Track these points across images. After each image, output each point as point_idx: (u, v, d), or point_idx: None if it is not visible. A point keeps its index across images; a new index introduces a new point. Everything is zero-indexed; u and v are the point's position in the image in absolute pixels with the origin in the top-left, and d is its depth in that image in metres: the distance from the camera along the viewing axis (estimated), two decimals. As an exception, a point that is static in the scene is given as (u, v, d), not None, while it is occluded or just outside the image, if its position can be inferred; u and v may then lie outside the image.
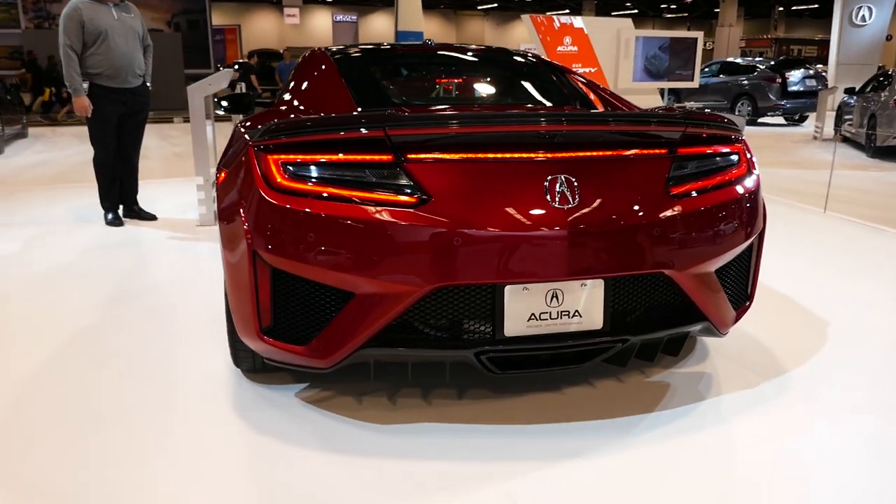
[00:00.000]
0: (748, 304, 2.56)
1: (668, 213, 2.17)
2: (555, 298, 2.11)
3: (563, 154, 2.10)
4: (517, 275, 2.05)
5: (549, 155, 2.09)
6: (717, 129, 2.38)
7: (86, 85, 4.66)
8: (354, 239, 2.01)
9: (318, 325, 2.11)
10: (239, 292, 2.19)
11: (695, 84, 10.82)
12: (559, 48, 10.08)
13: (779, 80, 14.00)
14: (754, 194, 2.43)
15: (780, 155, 10.02)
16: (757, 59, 16.89)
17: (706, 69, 16.02)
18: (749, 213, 2.39)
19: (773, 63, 15.00)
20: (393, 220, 2.00)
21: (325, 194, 2.04)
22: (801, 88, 14.13)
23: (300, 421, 2.31)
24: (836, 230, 5.14)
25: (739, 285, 2.50)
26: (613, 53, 10.24)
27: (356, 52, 3.44)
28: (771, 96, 14.06)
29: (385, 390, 2.50)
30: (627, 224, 2.10)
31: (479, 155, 2.08)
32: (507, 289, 2.07)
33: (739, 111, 14.61)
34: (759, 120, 14.68)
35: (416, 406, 2.41)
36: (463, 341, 2.12)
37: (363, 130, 2.06)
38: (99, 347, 2.95)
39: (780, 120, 14.93)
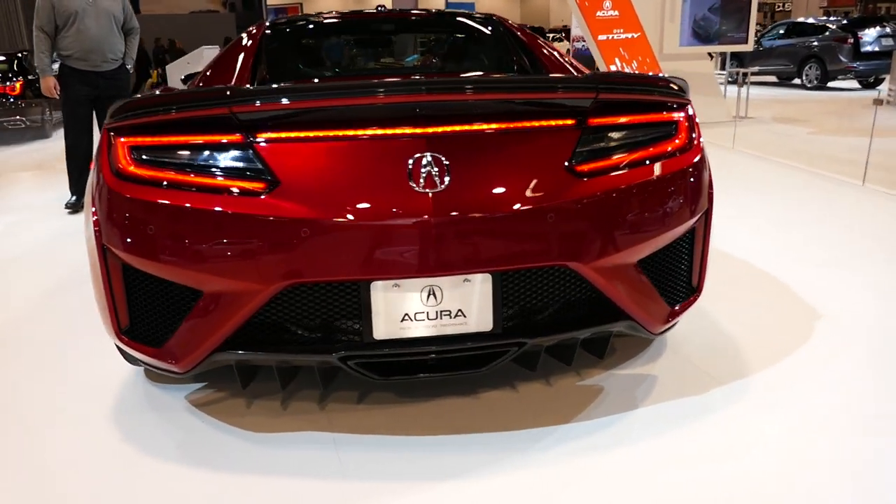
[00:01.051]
0: (694, 297, 2.21)
1: (571, 195, 1.84)
2: (432, 296, 1.83)
3: (431, 129, 1.80)
4: (383, 270, 1.78)
5: (413, 130, 1.80)
6: (642, 96, 2.02)
7: (57, 66, 4.61)
8: (197, 231, 1.79)
9: (170, 326, 1.91)
10: (97, 290, 2.01)
11: (748, 47, 10.03)
12: (598, 13, 9.53)
13: (850, 41, 12.89)
14: (695, 171, 2.06)
15: (844, 121, 9.21)
16: (831, 18, 15.64)
17: (772, 31, 14.97)
18: (686, 194, 2.04)
19: (845, 22, 13.83)
20: (237, 209, 1.77)
21: (165, 182, 1.82)
22: (877, 48, 12.96)
23: (175, 426, 2.13)
24: (866, 207, 4.57)
25: (677, 277, 2.15)
26: (658, 17, 9.60)
27: (295, 23, 3.18)
28: (842, 58, 12.97)
29: (280, 394, 2.28)
30: (517, 210, 1.80)
31: (335, 132, 1.81)
32: (374, 286, 1.81)
33: (807, 75, 13.58)
34: (830, 84, 13.60)
35: (308, 413, 2.18)
36: (327, 345, 1.87)
37: (207, 108, 1.82)
38: (15, 332, 2.87)
39: (854, 83, 13.80)
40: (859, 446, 1.94)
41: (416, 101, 1.81)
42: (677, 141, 2.05)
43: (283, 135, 1.80)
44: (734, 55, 14.61)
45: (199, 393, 2.31)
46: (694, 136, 2.10)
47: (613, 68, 9.63)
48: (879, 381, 2.29)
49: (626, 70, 9.58)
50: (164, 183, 1.81)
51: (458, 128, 1.82)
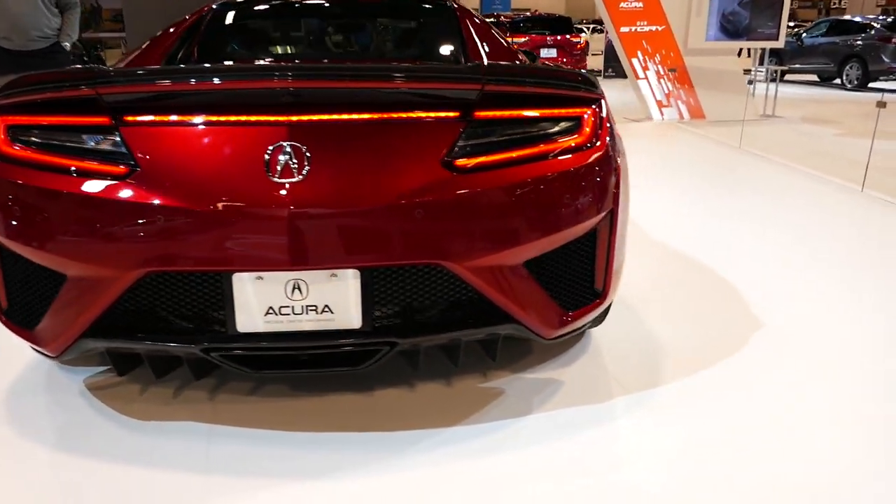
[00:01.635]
0: (598, 302, 2.10)
1: (447, 191, 1.76)
2: (297, 290, 1.78)
3: (295, 117, 1.74)
4: (244, 262, 1.73)
5: (275, 118, 1.74)
6: (537, 89, 1.92)
7: None
8: (59, 214, 1.77)
9: (40, 309, 1.89)
10: None
11: (779, 43, 9.67)
12: (622, 4, 9.30)
13: (895, 40, 12.35)
14: (595, 170, 1.96)
15: (881, 125, 8.81)
16: (879, 17, 14.99)
17: (815, 28, 14.43)
18: (584, 193, 1.94)
19: (891, 20, 13.25)
20: (96, 193, 1.73)
21: (34, 162, 1.80)
22: (924, 49, 12.41)
23: (62, 409, 2.12)
24: (854, 214, 4.34)
25: (574, 281, 2.04)
26: (684, 10, 9.32)
27: (239, 4, 3.12)
28: (884, 58, 12.43)
29: (179, 381, 2.25)
30: (385, 204, 1.73)
31: (196, 117, 1.76)
32: (237, 277, 1.76)
33: (847, 75, 13.06)
34: (872, 85, 13.05)
35: (196, 402, 2.15)
36: (190, 336, 1.83)
37: (74, 89, 1.79)
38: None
39: (899, 85, 13.23)
40: (752, 471, 1.82)
41: (282, 88, 1.75)
42: (577, 138, 1.94)
43: (146, 118, 1.76)
44: (773, 53, 14.15)
45: (100, 377, 2.31)
46: (599, 133, 1.99)
47: (635, 61, 9.41)
48: (798, 403, 2.16)
49: (650, 63, 9.36)
50: (33, 163, 1.79)
51: (323, 117, 1.75)
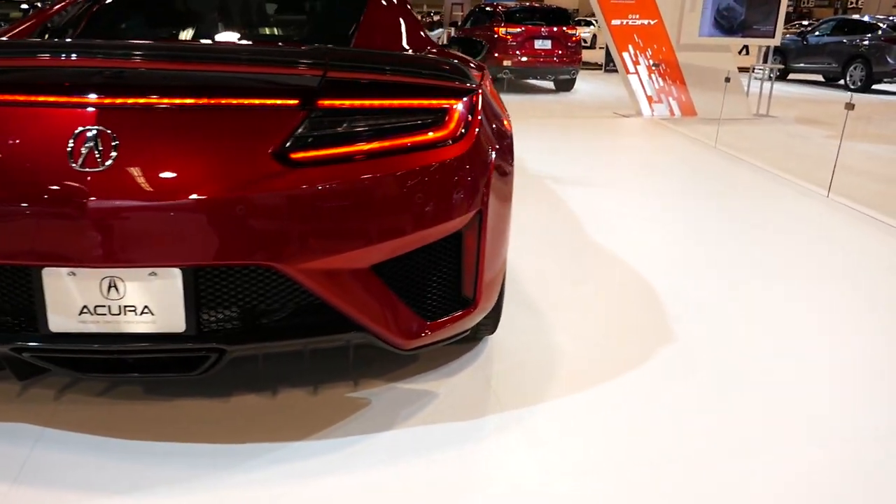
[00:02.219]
0: (468, 311, 1.94)
1: (280, 186, 1.60)
2: (114, 289, 1.63)
3: (108, 99, 1.58)
4: (52, 256, 1.58)
5: (84, 100, 1.58)
6: (392, 77, 1.76)
7: None
8: None
9: None
10: None
11: (775, 41, 9.40)
12: (613, -3, 9.06)
13: (901, 41, 12.03)
14: (461, 167, 1.79)
15: (871, 127, 8.56)
16: (890, 17, 14.61)
17: (821, 27, 14.10)
18: (444, 192, 1.77)
19: (897, 20, 12.91)
20: None
21: None
22: (931, 51, 12.07)
23: None
24: (814, 220, 4.14)
25: (438, 287, 1.88)
26: (677, 4, 9.07)
27: None
28: (890, 60, 12.10)
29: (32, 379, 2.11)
30: (206, 198, 1.56)
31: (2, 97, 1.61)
32: (46, 273, 1.61)
33: (851, 76, 12.74)
34: (876, 87, 12.74)
35: (43, 402, 2.01)
36: (1, 334, 1.69)
37: None
38: None
39: (903, 87, 12.91)
40: None
41: (93, 68, 1.60)
42: (439, 132, 1.77)
43: None
44: (778, 50, 13.83)
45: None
46: (467, 127, 1.83)
47: (626, 55, 9.18)
48: (683, 426, 1.99)
49: (641, 58, 9.13)
50: None
51: (138, 100, 1.59)
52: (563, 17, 11.61)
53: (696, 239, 3.72)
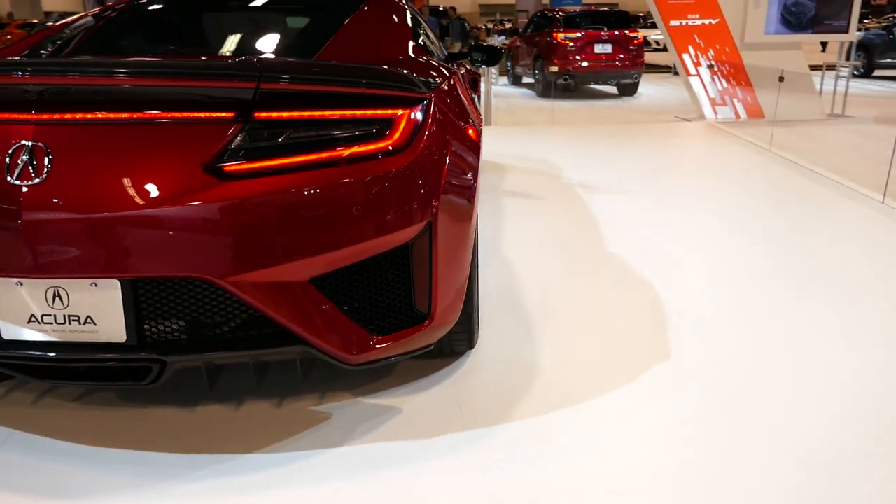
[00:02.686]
0: (421, 325, 1.88)
1: (214, 199, 1.60)
2: (58, 299, 1.67)
3: (45, 115, 1.62)
4: (2, 267, 1.64)
5: (23, 116, 1.62)
6: (333, 87, 1.73)
7: None
8: None
9: None
10: None
11: (850, 36, 8.87)
12: (672, -3, 8.78)
13: None
14: (406, 178, 1.75)
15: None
16: None
17: (909, 20, 13.22)
18: (388, 204, 1.73)
19: None
20: None
21: None
22: None
23: None
24: (864, 228, 3.84)
25: (386, 301, 1.84)
26: (741, 2, 8.70)
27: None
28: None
29: (12, 383, 2.20)
30: (138, 211, 1.58)
31: None
32: None
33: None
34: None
35: (20, 405, 2.09)
36: (-42, 341, 1.75)
37: None
38: None
39: None
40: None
41: (32, 84, 1.64)
42: (382, 142, 1.74)
43: None
44: (861, 46, 13.06)
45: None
46: (416, 137, 1.78)
47: (686, 57, 8.87)
48: (650, 462, 1.87)
49: (703, 59, 8.81)
50: None
51: (75, 115, 1.63)
52: (625, 20, 11.34)
53: (723, 243, 3.52)
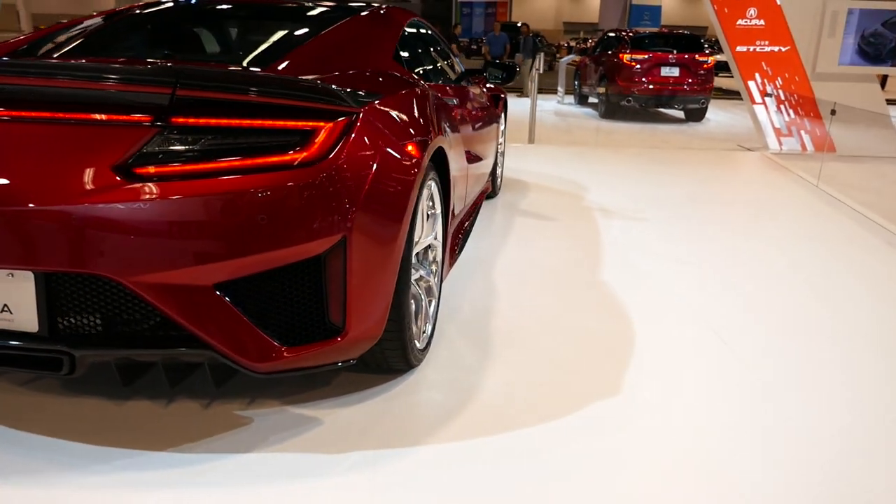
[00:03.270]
0: (336, 339, 1.87)
1: (120, 199, 1.64)
2: (-20, 289, 1.74)
3: None
4: None
5: None
6: (252, 97, 1.75)
7: None
8: None
9: None
10: None
11: (932, 71, 8.38)
12: (740, 21, 8.49)
13: None
14: (323, 190, 1.75)
15: None
16: None
17: None
18: (299, 215, 1.73)
19: None
20: None
21: None
22: None
23: None
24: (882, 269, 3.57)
25: (296, 312, 1.83)
26: (814, 30, 8.33)
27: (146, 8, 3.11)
28: None
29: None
30: (46, 207, 1.64)
31: None
32: None
33: None
34: None
35: (-33, 384, 2.20)
36: None
37: None
38: None
39: None
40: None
41: None
42: (298, 154, 1.74)
43: None
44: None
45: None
46: (334, 150, 1.78)
47: (752, 84, 8.56)
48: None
49: (770, 87, 8.47)
50: None
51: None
52: (695, 43, 11.04)
53: (728, 282, 3.36)
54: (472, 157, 3.52)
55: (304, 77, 2.02)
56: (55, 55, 2.51)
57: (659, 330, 2.78)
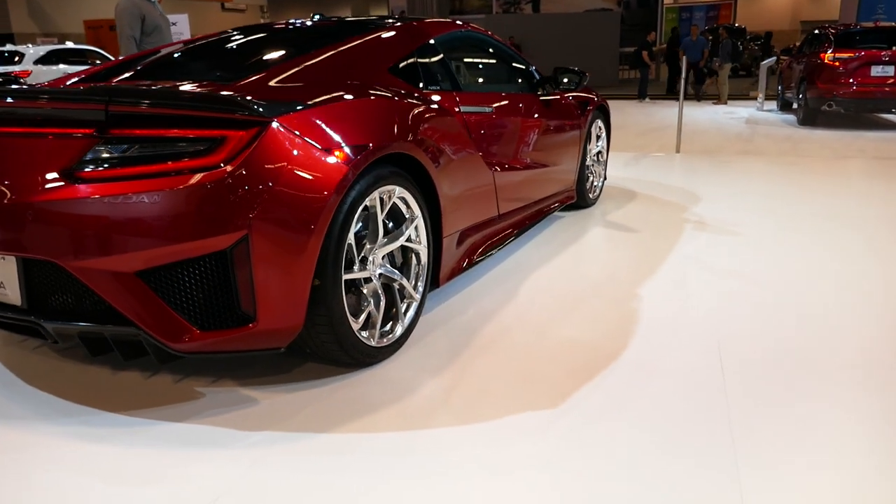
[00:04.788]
0: (246, 327, 2.07)
1: (63, 197, 2.00)
2: (-14, 267, 2.21)
3: None
4: None
5: None
6: (169, 110, 2.02)
7: None
8: None
9: None
10: None
11: None
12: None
13: None
14: (224, 191, 1.97)
15: None
16: None
17: None
18: (204, 213, 1.97)
19: None
20: None
21: None
22: None
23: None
24: None
25: (207, 299, 2.05)
26: None
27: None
28: None
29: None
30: (14, 202, 2.04)
31: None
32: None
33: None
34: None
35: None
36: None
37: None
38: None
39: None
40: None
41: None
42: (207, 159, 1.97)
43: None
44: None
45: None
46: (237, 156, 1.99)
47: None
48: None
49: None
50: None
51: None
52: (918, 37, 9.61)
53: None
54: (515, 166, 3.52)
55: (224, 91, 2.24)
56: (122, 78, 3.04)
57: (645, 351, 2.59)
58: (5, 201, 2.04)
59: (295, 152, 2.10)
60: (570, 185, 4.49)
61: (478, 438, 2.05)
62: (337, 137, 2.24)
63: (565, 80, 4.06)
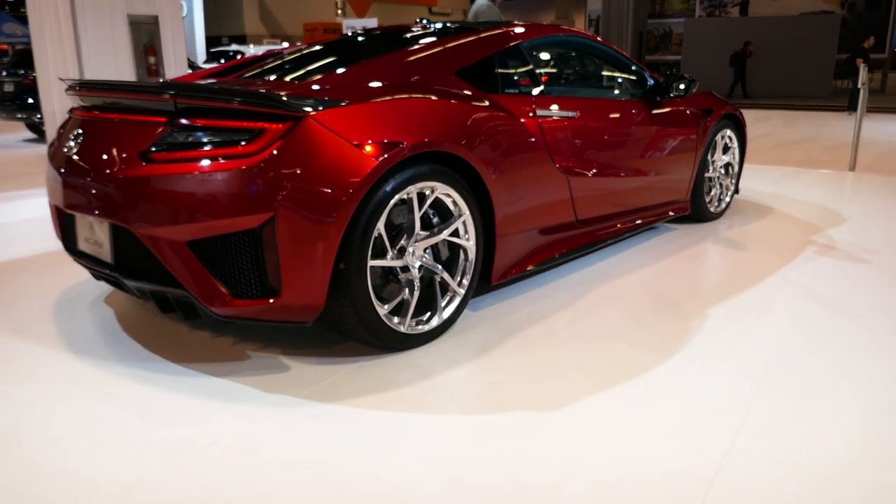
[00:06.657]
0: (273, 300, 2.32)
1: (139, 174, 2.38)
2: (92, 228, 2.67)
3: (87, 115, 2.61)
4: (74, 207, 2.68)
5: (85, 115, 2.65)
6: (226, 104, 2.32)
7: None
8: None
9: None
10: None
11: None
12: None
13: None
14: (254, 176, 2.23)
15: None
16: None
17: None
18: (240, 193, 2.24)
19: None
20: None
21: None
22: None
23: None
24: None
25: (239, 271, 2.32)
26: None
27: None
28: None
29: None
30: (106, 176, 2.45)
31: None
32: (76, 216, 2.75)
33: None
34: None
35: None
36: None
37: None
38: None
39: None
40: None
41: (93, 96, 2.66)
42: (246, 148, 2.25)
43: None
44: None
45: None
46: (270, 146, 2.24)
47: None
48: None
49: None
50: None
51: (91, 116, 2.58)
52: None
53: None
54: (600, 173, 3.48)
55: (275, 89, 2.50)
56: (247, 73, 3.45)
57: (691, 376, 2.48)
58: (101, 175, 2.46)
59: (325, 146, 2.31)
60: (682, 195, 4.29)
61: (477, 435, 2.12)
62: (370, 134, 2.41)
63: (681, 86, 3.91)
